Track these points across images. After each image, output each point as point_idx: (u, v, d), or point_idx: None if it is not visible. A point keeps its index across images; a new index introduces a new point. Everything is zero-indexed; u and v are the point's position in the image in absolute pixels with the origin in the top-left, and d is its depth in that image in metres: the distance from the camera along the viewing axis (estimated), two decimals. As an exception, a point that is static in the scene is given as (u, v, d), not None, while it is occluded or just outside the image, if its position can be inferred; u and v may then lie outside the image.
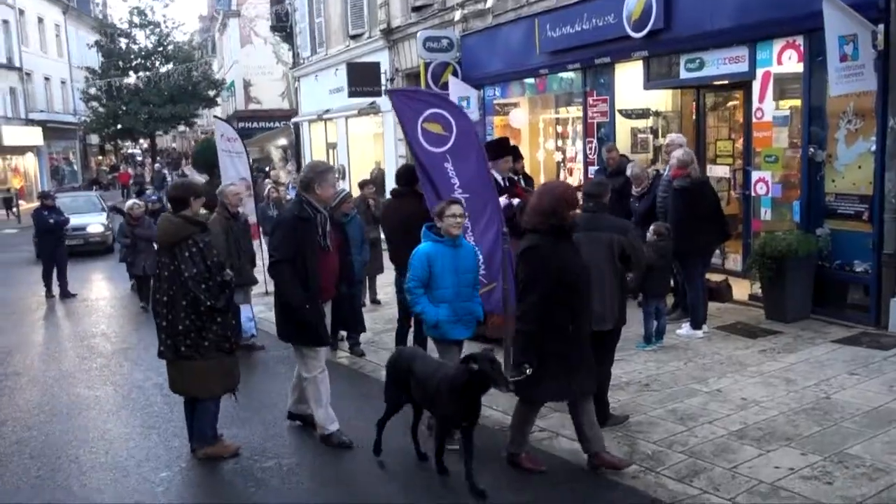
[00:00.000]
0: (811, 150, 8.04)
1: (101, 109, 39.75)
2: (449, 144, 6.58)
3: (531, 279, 4.57)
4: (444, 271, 5.29)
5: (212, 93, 41.89)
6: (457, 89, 13.71)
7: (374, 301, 10.27)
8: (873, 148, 7.47)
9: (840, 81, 7.16)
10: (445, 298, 5.31)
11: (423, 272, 5.26)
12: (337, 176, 19.97)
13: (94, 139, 47.28)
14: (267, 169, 29.10)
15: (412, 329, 7.02)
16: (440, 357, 5.43)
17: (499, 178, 7.35)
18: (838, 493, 4.30)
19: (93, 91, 39.44)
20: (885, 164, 7.30)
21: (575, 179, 12.15)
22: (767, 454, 4.84)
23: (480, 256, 6.52)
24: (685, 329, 7.71)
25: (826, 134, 7.98)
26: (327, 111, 21.20)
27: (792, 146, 8.48)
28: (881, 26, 7.16)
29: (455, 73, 14.23)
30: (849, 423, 5.23)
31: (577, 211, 4.75)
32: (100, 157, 51.31)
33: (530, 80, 12.99)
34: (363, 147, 20.59)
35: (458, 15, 14.29)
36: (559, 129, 13.30)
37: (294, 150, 26.86)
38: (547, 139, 13.74)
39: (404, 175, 6.87)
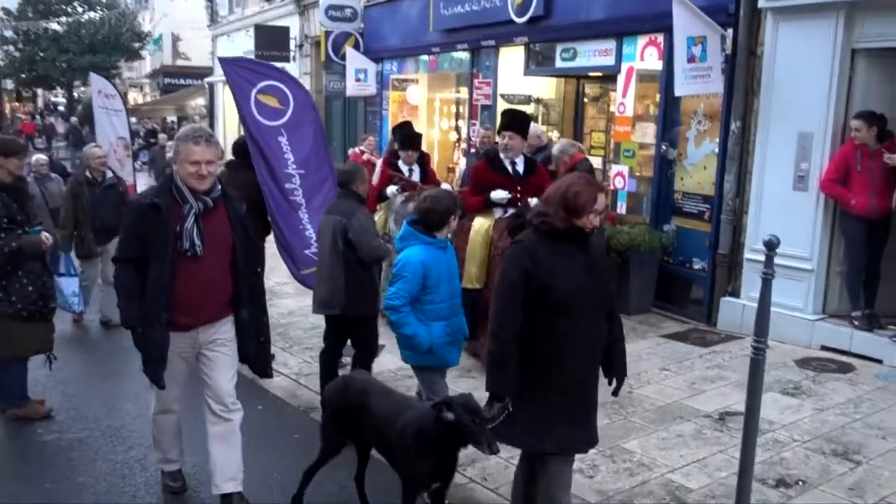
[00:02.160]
0: (664, 147, 8.17)
1: (16, 54, 38.08)
2: (285, 118, 6.44)
3: (500, 287, 3.38)
4: (440, 281, 4.24)
5: (136, 45, 40.47)
6: (355, 61, 13.54)
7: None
8: (716, 150, 7.63)
9: (686, 82, 7.25)
10: (441, 314, 4.27)
11: (417, 286, 4.16)
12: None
13: (8, 84, 45.34)
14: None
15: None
16: (426, 389, 4.47)
17: (506, 160, 6.29)
18: (595, 486, 4.39)
19: (8, 34, 37.71)
20: (725, 166, 7.45)
21: (463, 161, 12.14)
22: (547, 446, 4.91)
23: (314, 235, 6.44)
24: None
25: (679, 132, 8.12)
26: (239, 73, 20.71)
27: (650, 141, 8.60)
28: (730, 31, 7.27)
29: (356, 45, 14.04)
30: (637, 417, 5.35)
31: (596, 216, 3.37)
32: (16, 104, 49.25)
33: (425, 58, 12.88)
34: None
35: (361, -16, 14.06)
36: (454, 108, 13.26)
37: (209, 111, 26.20)
38: (442, 118, 13.67)
39: (239, 146, 6.69)
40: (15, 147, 5.20)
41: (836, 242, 6.91)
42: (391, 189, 7.35)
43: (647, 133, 8.63)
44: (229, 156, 6.65)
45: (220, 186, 3.90)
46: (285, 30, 17.12)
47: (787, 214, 6.96)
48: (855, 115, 6.42)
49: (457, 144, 13.16)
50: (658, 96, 8.28)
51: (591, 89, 10.41)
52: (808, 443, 4.90)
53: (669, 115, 8.15)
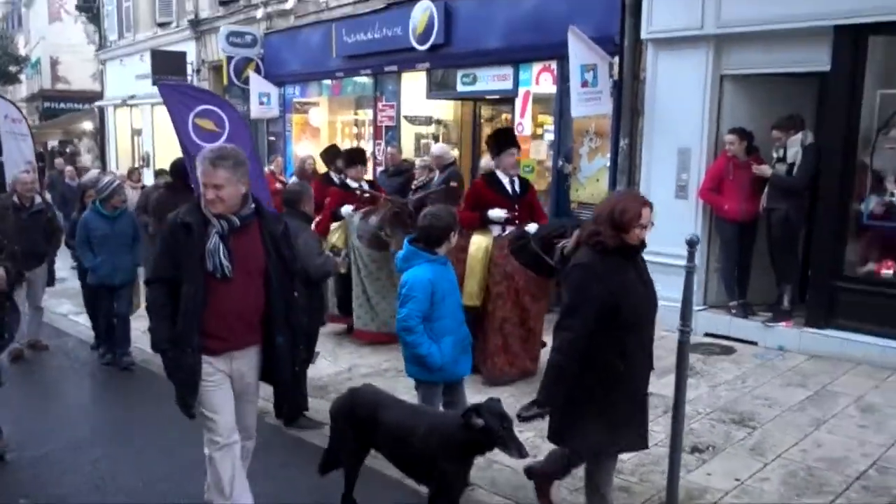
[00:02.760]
0: (560, 162, 8.67)
1: None
2: (221, 140, 6.44)
3: (571, 304, 3.38)
4: (446, 295, 4.14)
5: (13, 69, 38.04)
6: (258, 85, 13.45)
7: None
8: (608, 164, 8.18)
9: (581, 104, 7.75)
10: (448, 330, 4.16)
11: (427, 305, 4.02)
12: (141, 164, 18.97)
13: None
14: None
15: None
16: (423, 401, 4.27)
17: (504, 180, 6.18)
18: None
19: None
20: (616, 179, 8.01)
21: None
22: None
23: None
24: None
25: (573, 149, 8.64)
26: (133, 97, 19.99)
27: (546, 158, 9.09)
28: (616, 59, 7.85)
29: (257, 70, 13.94)
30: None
31: (643, 230, 3.41)
32: None
33: (327, 82, 12.98)
34: (169, 135, 19.54)
35: (260, 13, 13.96)
36: (355, 129, 13.41)
37: (99, 135, 25.04)
38: (344, 139, 13.78)
39: (176, 168, 6.63)
40: None
41: (713, 242, 7.57)
42: (346, 209, 7.39)
43: (543, 150, 9.13)
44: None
45: (253, 206, 3.56)
46: (182, 54, 16.70)
47: (670, 219, 7.47)
48: (729, 130, 7.08)
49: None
50: (552, 117, 8.78)
51: (486, 111, 10.85)
52: (710, 414, 5.40)
53: (564, 134, 8.66)
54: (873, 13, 6.17)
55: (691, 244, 3.89)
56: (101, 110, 23.47)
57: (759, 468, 4.55)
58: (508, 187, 6.19)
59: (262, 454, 4.19)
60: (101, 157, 22.82)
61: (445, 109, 11.39)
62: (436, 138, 11.33)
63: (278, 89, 13.63)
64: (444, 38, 9.81)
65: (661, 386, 5.93)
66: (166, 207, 6.84)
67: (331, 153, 8.44)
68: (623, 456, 4.70)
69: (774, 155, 6.96)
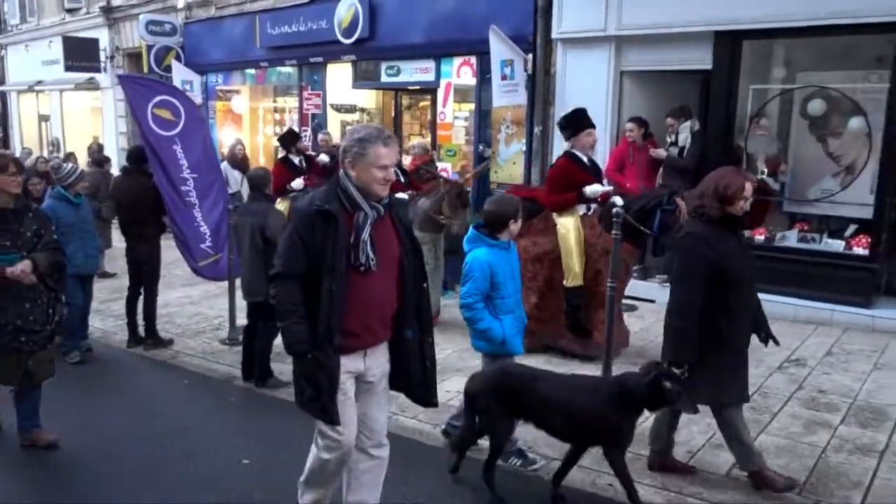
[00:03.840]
0: (481, 147, 9.27)
1: None
2: (177, 129, 6.66)
3: (684, 270, 3.64)
4: (506, 278, 4.16)
5: None
6: (180, 73, 13.32)
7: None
8: (524, 148, 8.84)
9: (501, 96, 8.36)
10: (509, 308, 4.20)
11: (486, 284, 4.07)
12: (51, 150, 18.21)
13: None
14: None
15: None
16: None
17: (584, 158, 5.96)
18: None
19: None
20: (531, 162, 8.68)
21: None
22: (442, 383, 5.66)
23: (208, 231, 6.74)
24: None
25: (492, 135, 9.25)
26: (40, 83, 19.10)
27: (466, 143, 9.67)
28: (531, 55, 8.48)
29: (178, 58, 13.78)
30: (500, 356, 6.32)
31: (746, 202, 3.65)
32: None
33: (251, 71, 13.03)
34: (79, 121, 18.89)
35: (181, 2, 13.78)
36: (277, 116, 13.53)
37: (2, 121, 23.68)
38: (266, 125, 13.88)
39: (134, 154, 6.77)
40: (2, 163, 4.22)
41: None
42: (297, 182, 8.13)
43: (463, 136, 9.70)
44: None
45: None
46: (94, 41, 16.17)
47: (580, 197, 8.29)
48: (629, 119, 7.86)
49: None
50: (473, 106, 9.35)
51: (405, 100, 11.30)
52: (626, 361, 6.13)
53: (483, 121, 9.25)
54: (747, 21, 7.06)
55: (617, 216, 4.53)
56: (3, 96, 22.24)
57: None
58: (589, 165, 6.00)
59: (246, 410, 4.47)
60: (4, 142, 21.65)
61: (369, 98, 11.76)
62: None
63: (200, 77, 13.55)
64: (369, 33, 10.17)
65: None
66: (122, 192, 7.00)
67: (289, 137, 8.72)
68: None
69: (668, 140, 7.81)
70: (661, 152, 7.71)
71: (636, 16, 7.67)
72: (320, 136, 10.23)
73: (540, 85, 8.50)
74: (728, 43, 7.31)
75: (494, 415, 3.85)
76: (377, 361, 3.24)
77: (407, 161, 8.74)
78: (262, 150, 13.75)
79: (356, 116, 11.70)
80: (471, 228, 4.28)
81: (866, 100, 7.05)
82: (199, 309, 8.00)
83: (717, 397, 3.78)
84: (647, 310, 7.62)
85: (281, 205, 7.90)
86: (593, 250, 5.84)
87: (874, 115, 6.92)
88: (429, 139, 9.80)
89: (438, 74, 9.63)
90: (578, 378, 4.09)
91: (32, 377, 4.39)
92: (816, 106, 7.34)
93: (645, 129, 7.83)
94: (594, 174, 5.98)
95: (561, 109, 8.35)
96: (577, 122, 5.99)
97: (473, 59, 9.20)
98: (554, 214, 6.01)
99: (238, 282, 6.10)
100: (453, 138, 9.70)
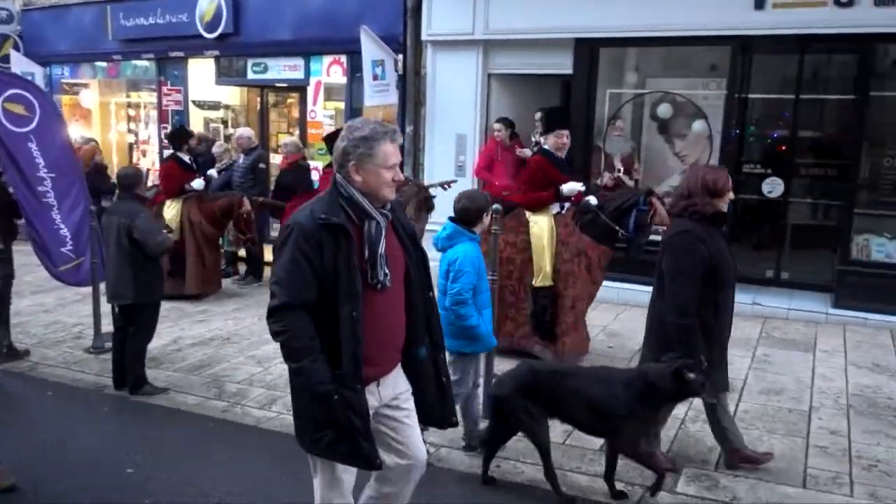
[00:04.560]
0: (352, 146, 9.31)
1: None
2: (32, 125, 6.23)
3: (680, 267, 3.66)
4: (483, 273, 4.11)
5: None
6: (19, 64, 12.32)
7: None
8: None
9: (373, 95, 8.47)
10: (486, 303, 4.18)
11: (475, 279, 3.99)
12: None
13: None
14: None
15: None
16: (462, 373, 4.22)
17: (558, 154, 5.84)
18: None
19: None
20: (403, 160, 8.83)
21: (148, 161, 11.99)
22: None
23: (69, 234, 6.37)
24: None
25: (363, 134, 9.31)
26: None
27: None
28: (401, 56, 8.64)
29: (16, 47, 12.75)
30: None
31: (727, 198, 3.75)
32: None
33: (102, 64, 12.30)
34: None
35: (18, -12, 12.77)
36: (131, 112, 12.86)
37: None
38: (119, 121, 13.15)
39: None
40: None
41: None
42: (198, 182, 7.87)
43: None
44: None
45: None
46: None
47: (452, 195, 8.51)
48: (496, 119, 8.20)
49: (135, 146, 12.82)
50: (343, 105, 9.39)
51: (272, 97, 11.13)
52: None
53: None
54: (603, 30, 7.60)
55: (496, 212, 4.77)
56: None
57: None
58: (564, 162, 5.92)
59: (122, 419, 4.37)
60: None
61: (233, 94, 11.45)
62: (224, 122, 11.38)
63: (43, 69, 12.60)
64: (234, 28, 9.93)
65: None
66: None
67: (180, 134, 8.30)
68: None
69: (533, 139, 8.23)
70: (526, 152, 8.12)
71: (502, 21, 8.03)
72: (238, 135, 9.52)
73: (411, 85, 8.69)
74: (587, 50, 7.82)
75: (531, 416, 3.79)
76: (391, 387, 2.82)
77: (278, 160, 8.66)
78: (116, 147, 13.02)
79: (220, 114, 11.37)
80: (448, 223, 4.19)
81: (707, 104, 7.81)
82: (56, 317, 7.52)
83: (708, 388, 3.77)
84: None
85: (173, 207, 7.58)
86: (566, 249, 5.73)
87: (714, 118, 7.68)
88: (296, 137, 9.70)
89: (308, 72, 9.57)
90: (604, 371, 4.01)
91: None
92: (664, 109, 8.03)
93: (511, 129, 8.22)
94: (568, 172, 5.90)
95: (432, 110, 8.62)
96: (550, 122, 5.88)
97: (344, 58, 9.23)
98: (528, 213, 5.88)
99: (103, 286, 5.84)
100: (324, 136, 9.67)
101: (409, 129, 8.75)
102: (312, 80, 9.56)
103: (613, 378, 3.77)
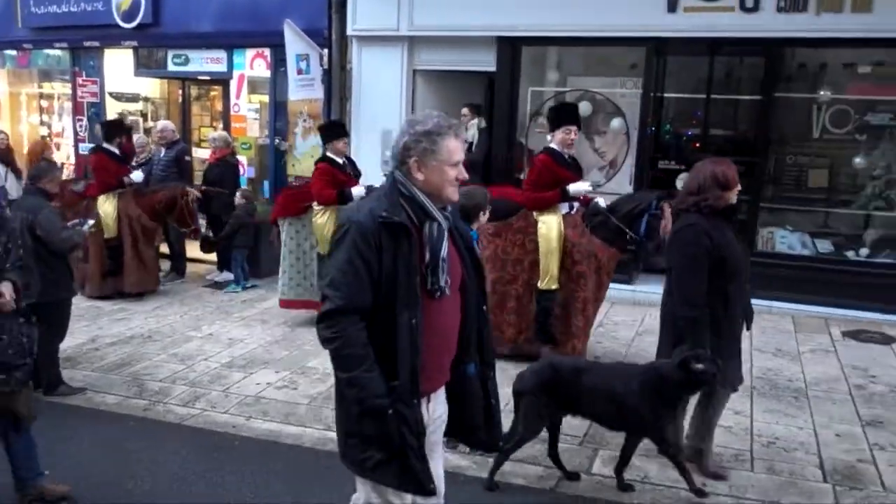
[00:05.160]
0: (277, 140, 9.25)
1: None
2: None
3: (690, 262, 3.67)
4: None
5: None
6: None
7: None
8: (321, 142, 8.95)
9: (297, 90, 8.43)
10: None
11: None
12: None
13: None
14: None
15: None
16: None
17: (563, 153, 5.68)
18: (301, 393, 5.41)
19: None
20: (329, 155, 8.83)
21: (63, 155, 11.56)
22: (251, 376, 5.75)
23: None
24: (224, 275, 8.62)
25: (288, 128, 9.27)
26: None
27: (262, 136, 9.59)
28: (326, 50, 8.62)
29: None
30: (308, 346, 6.45)
31: (736, 190, 3.76)
32: None
33: (11, 52, 11.79)
34: None
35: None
36: (44, 103, 12.37)
37: None
38: (30, 113, 12.62)
39: None
40: None
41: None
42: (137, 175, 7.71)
43: (257, 128, 9.61)
44: None
45: None
46: None
47: (377, 190, 8.61)
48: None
49: (48, 139, 12.33)
50: (268, 99, 9.30)
51: (194, 90, 10.91)
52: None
53: (279, 115, 9.24)
54: (525, 29, 7.79)
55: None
56: None
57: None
58: (570, 161, 5.74)
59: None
60: None
61: (153, 87, 11.17)
62: (144, 116, 11.08)
63: (-55, 57, 12.01)
64: (153, 18, 9.68)
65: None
66: None
67: (117, 127, 8.02)
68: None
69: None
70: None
71: (426, 18, 8.11)
72: (161, 128, 9.21)
73: (336, 80, 8.67)
74: (509, 48, 8.00)
75: (543, 409, 3.84)
76: (438, 405, 2.65)
77: (202, 154, 8.52)
78: (27, 139, 12.49)
79: (139, 106, 11.06)
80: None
81: (625, 102, 8.10)
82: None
83: (720, 381, 3.80)
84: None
85: (109, 202, 7.34)
86: (575, 251, 5.59)
87: (631, 116, 7.98)
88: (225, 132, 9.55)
89: (231, 65, 9.44)
90: (620, 367, 4.03)
91: (21, 421, 3.66)
92: (584, 107, 8.27)
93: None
94: (575, 171, 5.75)
95: (357, 105, 8.64)
96: (559, 117, 5.68)
97: (267, 52, 9.14)
98: (537, 213, 5.71)
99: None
100: (248, 131, 9.58)
101: (331, 123, 8.73)
102: (236, 74, 9.43)
103: (630, 373, 3.85)
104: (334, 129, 6.88)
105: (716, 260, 3.64)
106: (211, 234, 8.64)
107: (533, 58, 8.32)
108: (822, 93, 7.67)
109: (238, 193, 8.42)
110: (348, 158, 6.93)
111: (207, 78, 10.13)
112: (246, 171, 9.50)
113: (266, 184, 9.39)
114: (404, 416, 2.38)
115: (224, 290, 8.28)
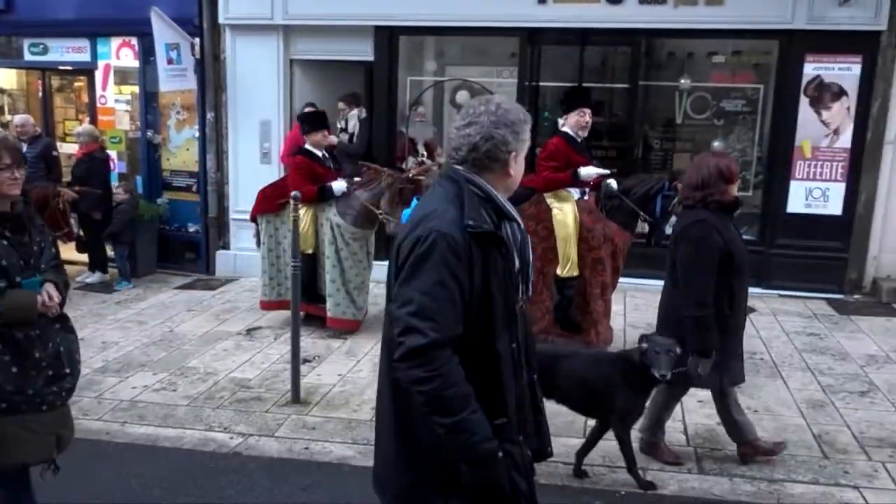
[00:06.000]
0: (149, 133, 8.87)
1: None
2: None
3: (696, 257, 3.64)
4: None
5: None
6: None
7: None
8: (197, 135, 8.68)
9: (168, 80, 8.09)
10: None
11: None
12: None
13: None
14: None
15: None
16: None
17: (576, 137, 5.66)
18: (181, 395, 5.26)
19: None
20: (205, 148, 8.57)
21: None
22: (126, 380, 5.53)
23: None
24: (96, 276, 8.26)
25: (160, 121, 8.90)
26: None
27: (133, 129, 9.17)
28: (197, 39, 8.33)
29: None
30: (188, 346, 6.27)
31: (737, 183, 3.80)
32: None
33: None
34: None
35: None
36: None
37: None
38: None
39: None
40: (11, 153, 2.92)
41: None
42: None
43: (127, 121, 9.17)
44: None
45: None
46: None
47: (258, 182, 8.27)
48: (305, 105, 8.13)
49: None
50: (138, 90, 8.89)
51: (55, 81, 10.27)
52: (312, 334, 6.48)
53: (150, 107, 8.86)
54: (401, 18, 7.82)
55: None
56: None
57: (353, 365, 5.82)
58: (582, 145, 5.74)
59: None
60: None
61: (9, 78, 10.43)
62: (0, 109, 10.34)
63: None
64: (5, 4, 9.01)
65: (268, 320, 6.89)
66: None
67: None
68: (248, 376, 5.59)
69: (339, 126, 8.31)
70: (332, 139, 8.16)
71: (302, 6, 7.99)
72: (18, 122, 8.42)
73: (209, 71, 8.40)
74: (386, 37, 8.00)
75: None
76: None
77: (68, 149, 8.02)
78: None
79: (-5, 99, 10.34)
80: (415, 203, 4.12)
81: (502, 92, 8.29)
82: None
83: (723, 380, 3.91)
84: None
85: None
86: (592, 237, 5.56)
87: (508, 105, 8.16)
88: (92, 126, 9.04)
89: (95, 55, 8.93)
90: (593, 354, 4.08)
91: (60, 442, 3.04)
92: (462, 96, 8.43)
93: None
94: (588, 156, 5.73)
95: (233, 96, 8.42)
96: (572, 100, 5.71)
97: (135, 41, 8.70)
98: (550, 199, 5.68)
99: None
100: (117, 124, 9.11)
101: (209, 115, 8.47)
102: (101, 64, 8.93)
103: (602, 359, 3.97)
104: (313, 119, 6.52)
105: (724, 256, 3.63)
106: (82, 234, 8.22)
107: (411, 47, 8.38)
108: (683, 81, 8.13)
109: (121, 188, 8.17)
110: (328, 151, 6.66)
111: (70, 68, 9.55)
112: (116, 166, 9.07)
113: (139, 179, 8.98)
114: (514, 458, 2.04)
115: (116, 289, 8.02)
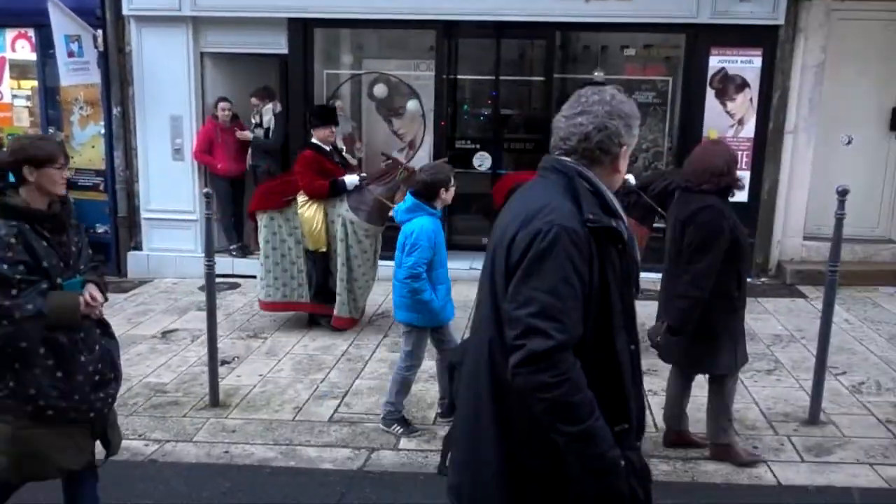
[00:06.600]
0: (51, 130, 8.45)
1: None
2: None
3: (706, 241, 3.70)
4: (440, 247, 4.27)
5: None
6: None
7: None
8: (103, 131, 8.32)
9: (69, 74, 7.72)
10: (442, 279, 4.35)
11: (431, 253, 4.18)
12: None
13: None
14: None
15: None
16: (413, 346, 4.40)
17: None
18: (91, 403, 5.04)
19: None
20: (113, 145, 8.23)
21: None
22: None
23: None
24: None
25: (63, 117, 8.49)
26: None
27: (33, 126, 8.71)
28: (101, 31, 7.98)
29: None
30: (98, 352, 6.01)
31: None
32: None
33: None
34: None
35: None
36: None
37: None
38: None
39: None
40: (50, 152, 2.87)
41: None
42: None
43: (26, 118, 8.71)
44: None
45: None
46: None
47: (170, 180, 8.17)
48: (219, 99, 7.95)
49: None
50: (37, 84, 8.45)
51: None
52: (231, 335, 6.34)
53: (51, 102, 8.44)
54: (315, 10, 7.70)
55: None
56: None
57: (274, 364, 5.71)
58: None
59: None
60: None
61: None
62: None
63: None
64: None
65: (185, 321, 6.71)
66: None
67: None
68: (164, 380, 5.42)
69: (253, 121, 8.12)
70: (247, 134, 8.00)
71: (211, -3, 7.77)
72: None
73: (114, 64, 8.06)
74: (300, 29, 7.86)
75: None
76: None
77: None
78: None
79: None
80: (408, 196, 4.31)
81: (419, 85, 8.29)
82: None
83: (735, 363, 4.00)
84: (248, 285, 7.87)
85: None
86: None
87: (427, 98, 8.18)
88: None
89: (-10, 46, 8.46)
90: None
91: (109, 447, 3.14)
92: (380, 90, 8.38)
93: (231, 110, 8.02)
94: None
95: (141, 90, 8.13)
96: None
97: (31, 32, 8.27)
98: None
99: None
100: (15, 120, 8.64)
101: (116, 110, 8.13)
102: (-3, 56, 8.46)
103: None
104: (322, 115, 6.34)
105: (732, 241, 3.76)
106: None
107: (326, 40, 8.26)
108: (597, 74, 8.31)
109: None
110: (335, 146, 6.53)
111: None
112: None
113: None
114: (634, 466, 1.93)
115: None
